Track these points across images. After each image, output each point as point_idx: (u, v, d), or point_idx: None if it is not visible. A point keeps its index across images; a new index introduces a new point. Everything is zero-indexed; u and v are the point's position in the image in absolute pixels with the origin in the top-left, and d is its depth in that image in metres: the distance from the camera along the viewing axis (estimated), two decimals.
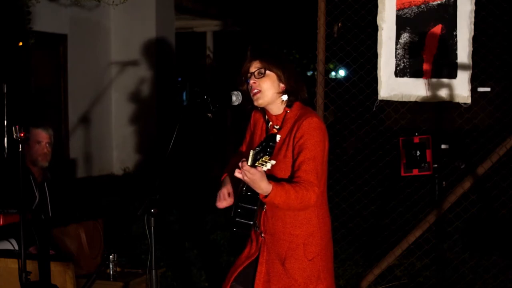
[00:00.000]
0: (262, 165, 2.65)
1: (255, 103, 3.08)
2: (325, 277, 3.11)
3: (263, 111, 3.19)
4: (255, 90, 3.05)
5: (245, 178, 2.72)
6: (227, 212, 3.18)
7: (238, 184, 3.09)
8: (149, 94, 11.53)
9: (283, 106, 3.10)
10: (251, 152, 2.66)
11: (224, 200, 3.15)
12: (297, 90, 3.09)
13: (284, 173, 3.00)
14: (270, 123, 3.15)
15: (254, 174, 2.70)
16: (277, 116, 3.12)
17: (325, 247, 3.13)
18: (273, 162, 2.67)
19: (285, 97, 3.08)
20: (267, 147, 2.62)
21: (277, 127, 3.11)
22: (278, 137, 2.67)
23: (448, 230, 5.65)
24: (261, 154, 2.63)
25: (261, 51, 3.12)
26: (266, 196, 2.81)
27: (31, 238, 4.08)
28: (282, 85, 3.07)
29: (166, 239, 6.72)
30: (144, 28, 11.50)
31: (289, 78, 3.07)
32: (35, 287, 3.79)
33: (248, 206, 2.90)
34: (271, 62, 3.06)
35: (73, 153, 10.80)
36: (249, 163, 2.67)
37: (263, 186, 2.76)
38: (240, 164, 2.72)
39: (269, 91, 3.06)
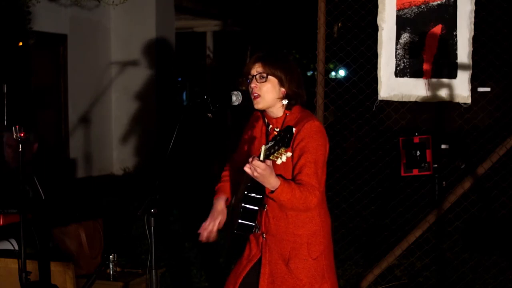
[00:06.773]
0: (278, 157, 2.64)
1: (255, 106, 3.06)
2: (329, 276, 3.10)
3: (262, 112, 3.18)
4: (255, 94, 3.03)
5: (255, 174, 2.72)
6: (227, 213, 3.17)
7: (237, 187, 3.08)
8: (149, 94, 11.52)
9: (283, 109, 3.08)
10: (263, 148, 2.65)
11: (205, 230, 3.12)
12: (298, 94, 3.07)
13: (283, 176, 2.97)
14: (270, 126, 3.13)
15: (265, 169, 2.70)
16: (277, 119, 3.10)
17: (328, 246, 3.12)
18: (289, 154, 2.67)
19: (285, 102, 3.05)
20: (284, 139, 2.59)
21: (278, 129, 3.09)
22: (294, 129, 2.65)
23: (448, 230, 5.65)
24: (276, 147, 2.61)
25: (266, 53, 3.09)
26: (272, 192, 2.80)
27: (31, 238, 4.07)
28: (283, 90, 3.04)
29: (166, 239, 6.72)
30: (144, 28, 11.49)
31: (291, 83, 3.04)
32: (35, 287, 3.79)
33: (250, 206, 2.88)
34: (273, 67, 3.03)
35: (73, 153, 10.80)
36: (261, 157, 2.66)
37: (272, 181, 2.77)
38: (250, 159, 2.70)
39: (269, 96, 3.03)
